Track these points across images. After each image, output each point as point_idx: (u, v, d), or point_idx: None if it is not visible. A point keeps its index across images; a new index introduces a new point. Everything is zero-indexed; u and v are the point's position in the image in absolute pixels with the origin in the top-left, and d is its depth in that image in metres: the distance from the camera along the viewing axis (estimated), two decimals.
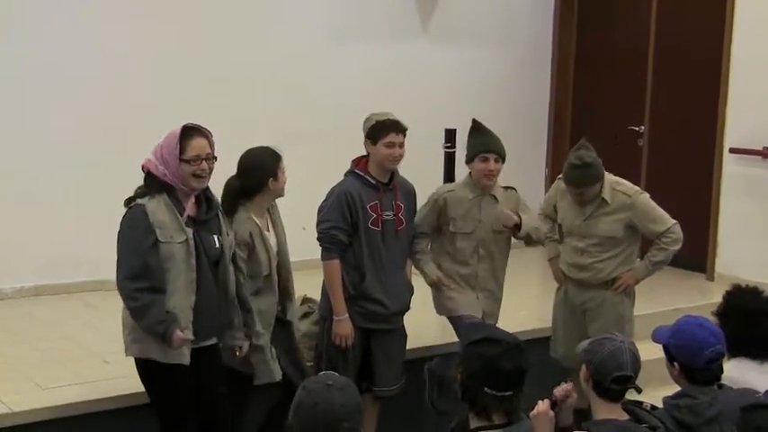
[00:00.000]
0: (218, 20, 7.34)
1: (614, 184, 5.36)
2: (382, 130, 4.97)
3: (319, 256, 5.05)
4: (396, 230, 5.10)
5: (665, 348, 3.85)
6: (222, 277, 4.42)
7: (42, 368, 5.39)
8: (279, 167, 4.74)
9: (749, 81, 7.66)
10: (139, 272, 4.16)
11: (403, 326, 5.29)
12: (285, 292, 4.91)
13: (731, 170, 7.84)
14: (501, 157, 5.24)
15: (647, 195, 5.40)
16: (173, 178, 4.25)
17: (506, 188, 5.39)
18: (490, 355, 3.35)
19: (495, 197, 5.31)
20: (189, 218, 4.29)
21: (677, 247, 5.36)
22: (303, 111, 7.63)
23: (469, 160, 5.29)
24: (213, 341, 4.50)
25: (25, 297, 6.78)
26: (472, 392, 3.38)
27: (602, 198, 5.30)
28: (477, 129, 5.32)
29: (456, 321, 5.34)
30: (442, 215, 5.30)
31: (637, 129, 8.56)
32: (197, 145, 4.26)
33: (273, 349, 4.78)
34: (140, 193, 4.28)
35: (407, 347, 5.38)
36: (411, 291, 5.31)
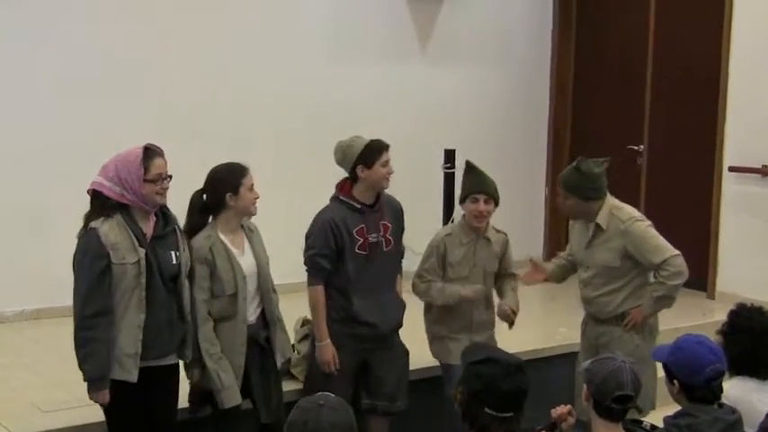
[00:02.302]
0: (219, 40, 7.38)
1: (613, 209, 5.09)
2: (376, 151, 4.97)
3: None
4: (383, 251, 5.08)
5: (665, 366, 3.85)
6: (179, 294, 4.43)
7: (43, 391, 5.40)
8: (241, 183, 4.62)
9: (747, 100, 7.68)
10: (92, 299, 4.18)
11: (401, 342, 5.25)
12: (267, 318, 4.79)
13: (731, 189, 7.85)
14: (492, 199, 5.16)
15: (647, 223, 5.07)
16: (133, 198, 4.26)
17: (498, 231, 5.35)
18: (491, 375, 3.36)
19: (488, 239, 5.28)
20: (145, 235, 4.30)
21: (678, 281, 4.99)
22: (302, 131, 7.64)
23: (462, 200, 5.24)
24: (171, 361, 4.49)
25: (26, 320, 6.78)
26: (472, 412, 3.38)
27: (597, 224, 5.06)
28: (469, 169, 5.26)
29: (447, 369, 5.26)
30: (444, 261, 5.24)
31: (636, 148, 8.56)
32: (159, 164, 4.30)
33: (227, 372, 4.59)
34: (91, 217, 4.27)
35: (413, 368, 5.33)
36: (403, 307, 5.26)
